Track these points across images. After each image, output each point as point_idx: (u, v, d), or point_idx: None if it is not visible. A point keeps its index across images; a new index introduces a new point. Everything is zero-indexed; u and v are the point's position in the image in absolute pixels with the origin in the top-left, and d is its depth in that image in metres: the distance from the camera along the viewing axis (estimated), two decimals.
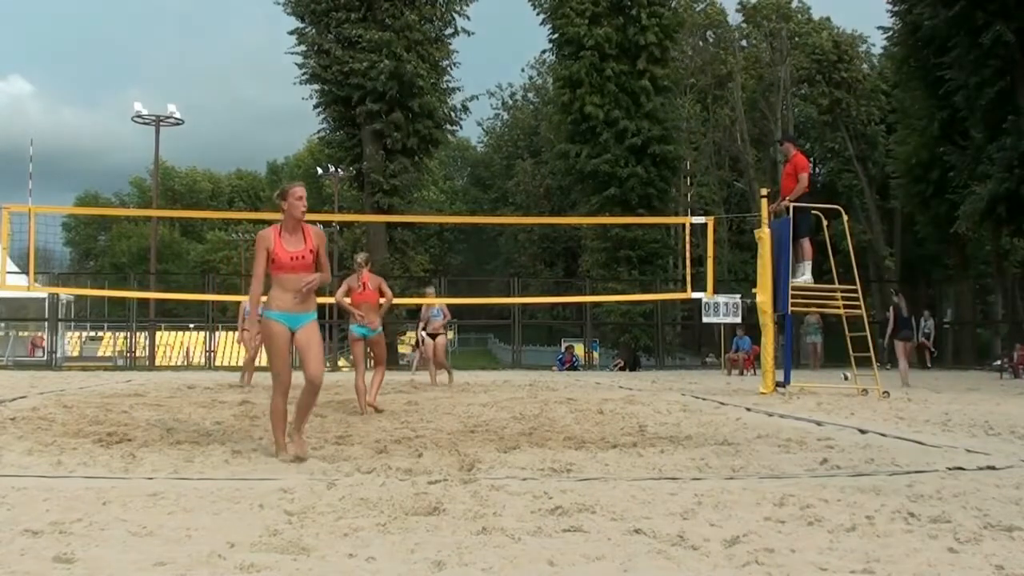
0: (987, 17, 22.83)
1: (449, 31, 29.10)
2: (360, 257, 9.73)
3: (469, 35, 29.12)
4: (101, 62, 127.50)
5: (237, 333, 14.34)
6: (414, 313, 23.81)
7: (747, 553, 3.21)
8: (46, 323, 28.15)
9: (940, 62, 25.39)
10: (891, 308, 16.23)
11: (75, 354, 31.07)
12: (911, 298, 34.49)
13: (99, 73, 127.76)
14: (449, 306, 16.60)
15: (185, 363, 30.28)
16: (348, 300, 9.52)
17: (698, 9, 42.32)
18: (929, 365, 24.48)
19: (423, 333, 15.33)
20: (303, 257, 5.61)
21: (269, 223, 6.63)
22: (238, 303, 43.94)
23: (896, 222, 38.16)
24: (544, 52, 39.12)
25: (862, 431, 7.27)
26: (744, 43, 43.84)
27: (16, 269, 20.54)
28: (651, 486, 4.67)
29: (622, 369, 25.89)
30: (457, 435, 6.86)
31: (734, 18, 43.12)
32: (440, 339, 14.92)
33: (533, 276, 46.16)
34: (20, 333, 31.12)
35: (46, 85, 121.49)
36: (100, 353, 32.55)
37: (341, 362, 28.26)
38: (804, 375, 15.54)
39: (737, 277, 36.00)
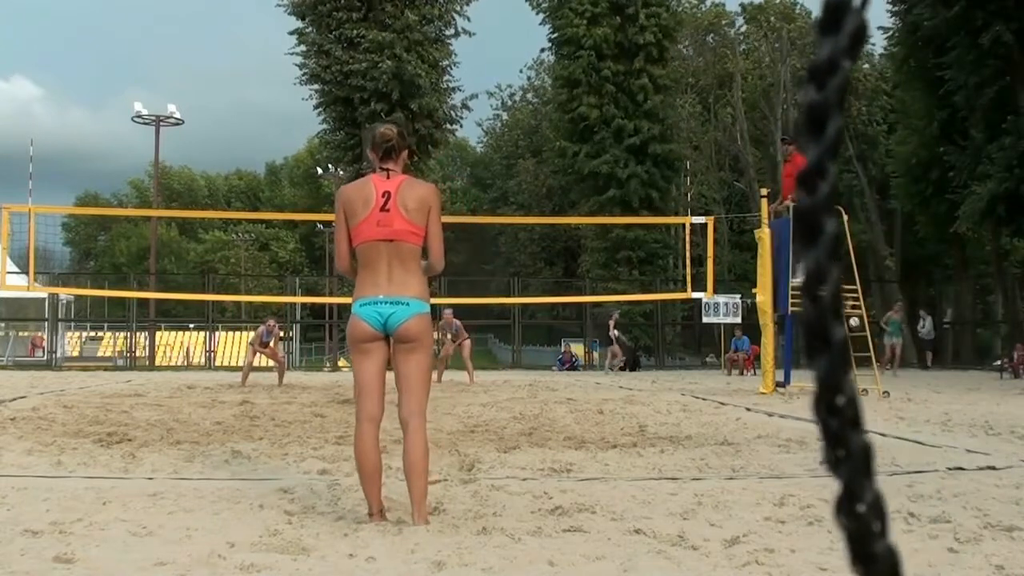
0: (986, 17, 22.84)
1: (449, 31, 29.10)
2: None
3: (470, 36, 29.11)
4: (105, 63, 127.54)
5: (262, 348, 14.65)
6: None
7: (747, 553, 3.21)
8: (46, 323, 28.13)
9: (940, 62, 25.41)
10: None
11: (75, 354, 31.00)
12: (911, 298, 34.56)
13: (103, 74, 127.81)
14: (449, 305, 16.97)
15: (185, 363, 30.26)
16: None
17: (704, 9, 42.34)
18: (929, 365, 24.47)
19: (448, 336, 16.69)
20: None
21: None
22: (238, 303, 43.40)
23: (896, 222, 38.14)
24: (543, 51, 39.15)
25: None
26: (743, 46, 43.85)
27: (16, 269, 20.54)
28: (651, 486, 4.67)
29: (622, 369, 25.89)
30: (457, 435, 6.86)
31: (737, 21, 43.19)
32: (467, 341, 16.31)
33: (533, 275, 46.12)
34: (20, 333, 31.09)
35: (50, 86, 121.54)
36: (100, 353, 32.50)
37: (341, 362, 28.26)
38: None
39: (737, 277, 35.99)
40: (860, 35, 0.53)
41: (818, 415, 0.53)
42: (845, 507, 0.54)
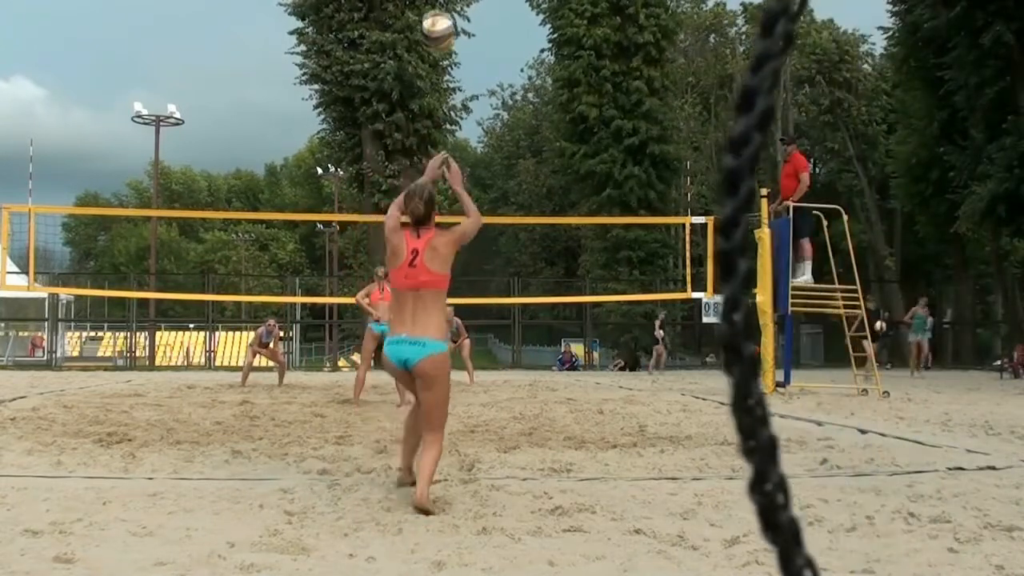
0: (987, 18, 22.85)
1: None
2: (381, 271, 10.55)
3: (470, 37, 29.09)
4: (105, 64, 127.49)
5: (261, 349, 14.54)
6: None
7: (747, 553, 3.21)
8: (46, 323, 28.13)
9: (940, 62, 25.41)
10: None
11: (75, 354, 30.98)
12: (911, 299, 34.59)
13: (103, 75, 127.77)
14: (449, 304, 16.95)
15: (185, 363, 30.25)
16: (367, 301, 10.68)
17: (706, 8, 42.30)
18: (929, 365, 24.48)
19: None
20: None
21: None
22: (238, 303, 43.38)
23: (896, 222, 38.13)
24: (543, 51, 39.15)
25: (862, 431, 7.26)
26: (743, 47, 43.84)
27: (16, 269, 20.53)
28: (651, 486, 4.67)
29: (622, 369, 25.90)
30: (457, 435, 6.85)
31: (738, 21, 43.14)
32: (467, 341, 16.15)
33: (533, 275, 46.10)
34: (20, 333, 31.08)
35: (50, 86, 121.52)
36: (100, 353, 32.47)
37: (341, 362, 28.29)
38: (893, 380, 15.35)
39: None
40: (769, 113, 0.66)
41: (733, 414, 0.64)
42: (756, 486, 0.65)
